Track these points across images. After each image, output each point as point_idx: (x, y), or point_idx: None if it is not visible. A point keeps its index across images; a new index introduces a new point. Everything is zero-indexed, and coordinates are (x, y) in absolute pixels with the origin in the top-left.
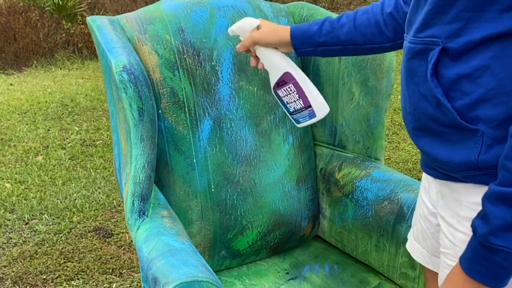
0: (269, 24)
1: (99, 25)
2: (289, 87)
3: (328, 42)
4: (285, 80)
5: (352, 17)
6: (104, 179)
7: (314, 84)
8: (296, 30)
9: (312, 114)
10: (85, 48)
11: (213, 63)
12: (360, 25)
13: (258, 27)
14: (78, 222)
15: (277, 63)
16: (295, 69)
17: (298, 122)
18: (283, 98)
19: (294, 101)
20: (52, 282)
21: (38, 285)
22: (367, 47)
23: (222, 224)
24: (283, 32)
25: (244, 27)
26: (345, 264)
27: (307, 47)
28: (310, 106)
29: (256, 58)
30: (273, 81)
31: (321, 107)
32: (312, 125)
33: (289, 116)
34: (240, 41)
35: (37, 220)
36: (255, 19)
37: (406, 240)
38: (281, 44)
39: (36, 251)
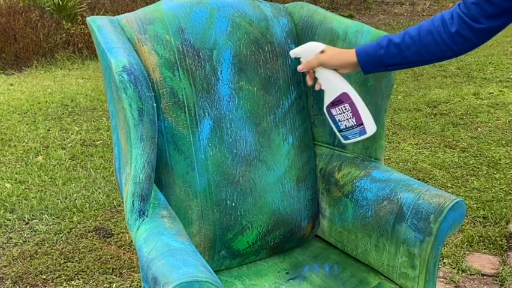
0: (333, 48)
1: (99, 25)
2: (344, 106)
3: (398, 62)
4: (342, 99)
5: (416, 37)
6: (104, 179)
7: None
8: (363, 54)
9: (363, 132)
10: (85, 48)
11: (213, 63)
12: (427, 45)
13: (322, 51)
14: (78, 222)
15: (337, 84)
16: (352, 90)
17: (347, 139)
18: (335, 116)
19: (347, 119)
20: (52, 282)
21: (38, 285)
22: (434, 61)
23: (222, 224)
24: (349, 55)
25: (310, 50)
26: (345, 264)
27: (376, 69)
28: (362, 124)
29: (314, 78)
30: (328, 100)
31: (371, 126)
32: (311, 125)
33: (337, 132)
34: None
35: (37, 220)
36: (321, 43)
37: (405, 240)
38: (346, 66)
39: (37, 251)
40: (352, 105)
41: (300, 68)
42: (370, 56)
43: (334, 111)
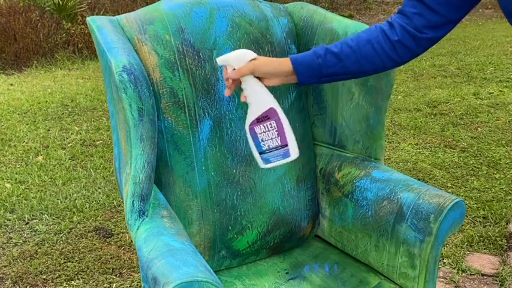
0: (266, 57)
1: (99, 25)
2: (270, 124)
3: (337, 72)
4: (268, 115)
5: (355, 47)
6: (104, 179)
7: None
8: (298, 63)
9: (287, 154)
10: (85, 48)
11: (213, 63)
12: (367, 55)
13: (253, 59)
14: (78, 222)
15: (264, 98)
16: (279, 107)
17: (268, 162)
18: (259, 135)
19: (271, 139)
20: (52, 282)
21: (38, 285)
22: (373, 72)
23: (222, 224)
24: (284, 62)
25: (241, 57)
26: (345, 264)
27: (312, 79)
28: (287, 145)
29: (233, 89)
30: (253, 116)
31: (295, 149)
32: (311, 125)
33: (257, 155)
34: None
35: (37, 220)
36: (252, 52)
37: (405, 239)
38: (278, 74)
39: (37, 251)
40: (278, 122)
41: (231, 75)
42: (307, 64)
43: (258, 129)
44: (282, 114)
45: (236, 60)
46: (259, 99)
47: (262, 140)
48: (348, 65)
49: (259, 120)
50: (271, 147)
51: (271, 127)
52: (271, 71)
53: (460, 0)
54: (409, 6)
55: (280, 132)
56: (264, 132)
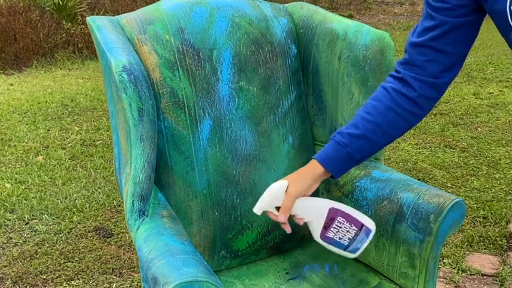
0: (294, 176)
1: (99, 25)
2: (338, 222)
3: (369, 151)
4: (332, 216)
5: (377, 120)
6: (104, 179)
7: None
8: (328, 161)
9: (368, 232)
10: (85, 48)
11: (213, 63)
12: (391, 122)
13: (286, 188)
14: (78, 222)
15: (318, 206)
16: (333, 202)
17: (357, 250)
18: (334, 238)
19: (347, 231)
20: (52, 282)
21: (38, 285)
22: (401, 134)
23: (222, 224)
24: (312, 169)
25: (276, 194)
26: (345, 264)
27: (348, 168)
28: (363, 225)
29: (288, 224)
30: (319, 227)
31: (370, 222)
32: (311, 125)
33: (343, 252)
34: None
35: (37, 220)
36: (280, 181)
37: (405, 239)
38: (314, 181)
39: (36, 251)
40: (344, 215)
41: (282, 219)
42: (337, 160)
43: (330, 234)
44: (340, 205)
45: (272, 200)
46: (313, 212)
47: (340, 238)
48: (377, 139)
49: (327, 226)
50: (351, 238)
51: (340, 223)
52: (307, 184)
53: (465, 33)
54: (416, 55)
55: (351, 220)
56: (337, 231)
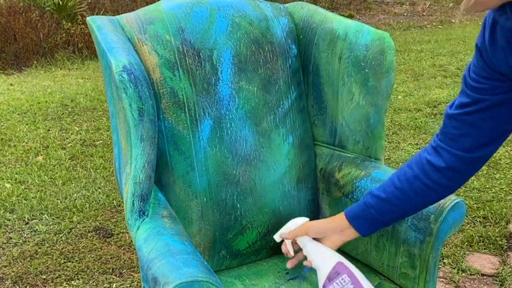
0: (318, 220)
1: (99, 25)
2: (342, 279)
3: (395, 217)
4: (338, 271)
5: (404, 188)
6: (104, 179)
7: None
8: (354, 217)
9: None
10: (85, 48)
11: (213, 63)
12: (418, 192)
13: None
14: (78, 222)
15: (327, 255)
16: (345, 260)
17: None
18: None
19: None
20: (52, 282)
21: (38, 285)
22: (433, 203)
23: (222, 224)
24: (335, 219)
25: (291, 226)
26: None
27: (373, 229)
28: None
29: (296, 260)
30: (323, 276)
31: None
32: (312, 125)
33: None
34: None
35: (37, 220)
36: (303, 217)
37: (405, 240)
38: (333, 230)
39: (36, 251)
40: (351, 275)
41: (283, 235)
42: (363, 218)
43: None
44: (350, 265)
45: (289, 230)
46: (323, 257)
47: None
48: (403, 206)
49: (331, 278)
50: None
51: (344, 282)
52: (324, 228)
53: (506, 110)
54: (451, 127)
55: (356, 284)
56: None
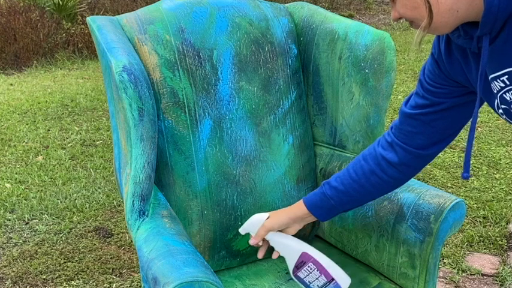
0: (276, 211)
1: (99, 25)
2: (309, 267)
3: (352, 206)
4: (304, 260)
5: (360, 181)
6: (104, 179)
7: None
8: (314, 207)
9: (337, 287)
10: (85, 48)
11: (213, 63)
12: (375, 184)
13: (267, 219)
14: (78, 222)
15: (293, 246)
16: (310, 248)
17: None
18: (305, 279)
19: (317, 278)
20: (52, 282)
21: (38, 285)
22: (383, 195)
23: (222, 224)
24: (295, 209)
25: (256, 222)
26: (345, 264)
27: (331, 216)
28: (333, 279)
29: (264, 249)
30: (291, 265)
31: (344, 278)
32: (311, 125)
33: None
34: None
35: (37, 220)
36: (263, 213)
37: (406, 240)
38: (295, 220)
39: (36, 251)
40: (316, 263)
41: (251, 242)
42: (322, 207)
43: (301, 275)
44: (315, 253)
45: (252, 226)
46: (288, 250)
47: (310, 282)
48: (360, 197)
49: (298, 267)
50: (320, 286)
51: (311, 269)
52: (286, 221)
53: (459, 112)
54: (407, 125)
55: (322, 270)
56: (308, 275)
